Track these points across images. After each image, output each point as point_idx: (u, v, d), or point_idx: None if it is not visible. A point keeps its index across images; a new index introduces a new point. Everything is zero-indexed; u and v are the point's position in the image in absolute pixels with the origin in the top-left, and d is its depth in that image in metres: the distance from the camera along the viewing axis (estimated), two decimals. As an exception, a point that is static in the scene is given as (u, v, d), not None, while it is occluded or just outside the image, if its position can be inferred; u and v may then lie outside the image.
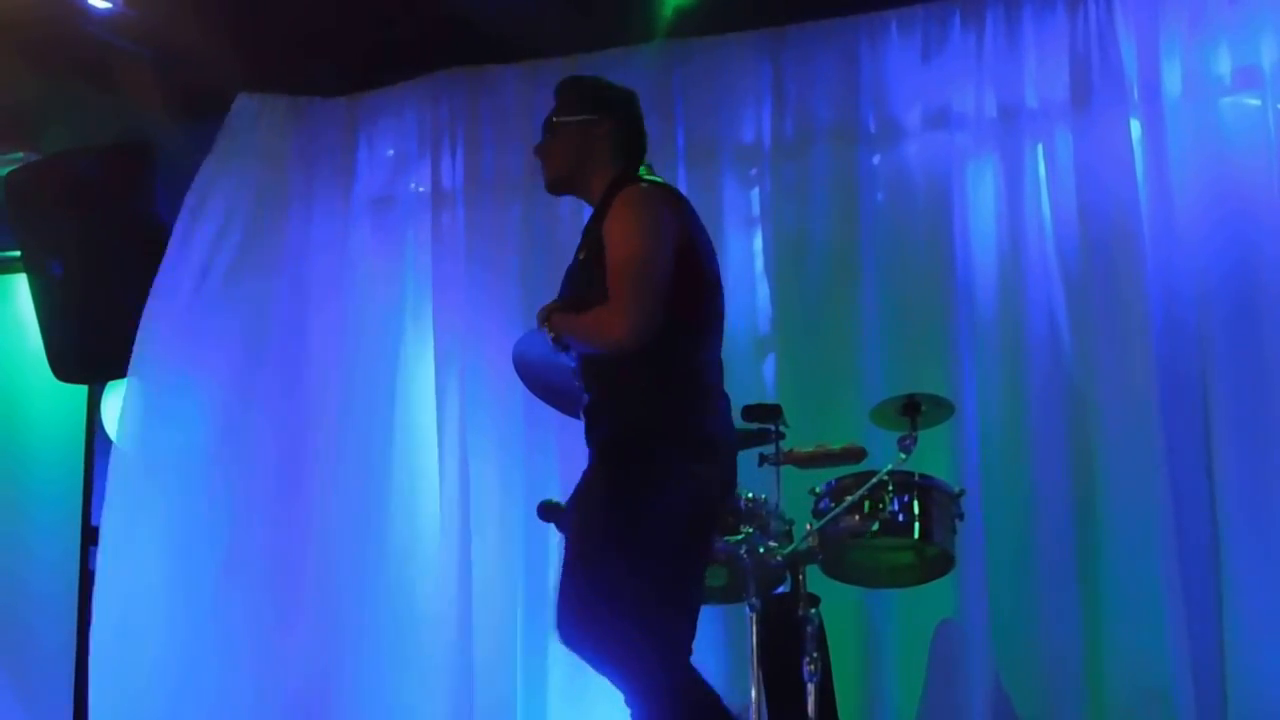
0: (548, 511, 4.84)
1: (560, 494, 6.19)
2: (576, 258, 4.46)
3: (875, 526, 5.03)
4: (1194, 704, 5.45)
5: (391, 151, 6.82)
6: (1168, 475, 5.58)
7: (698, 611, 4.30)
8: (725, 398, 4.38)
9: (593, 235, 4.36)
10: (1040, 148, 6.07)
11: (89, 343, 6.88)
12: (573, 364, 4.50)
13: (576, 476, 6.05)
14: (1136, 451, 5.63)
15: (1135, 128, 5.94)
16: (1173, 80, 5.92)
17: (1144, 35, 5.93)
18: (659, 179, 4.46)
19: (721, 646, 5.82)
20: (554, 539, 6.23)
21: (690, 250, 4.30)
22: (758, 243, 6.32)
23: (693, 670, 4.14)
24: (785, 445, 5.14)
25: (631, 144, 4.52)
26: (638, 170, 4.46)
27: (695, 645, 5.50)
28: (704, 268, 4.36)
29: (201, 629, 6.48)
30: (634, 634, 4.08)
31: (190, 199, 6.72)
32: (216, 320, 6.72)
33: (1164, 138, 5.89)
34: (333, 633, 6.40)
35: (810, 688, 4.91)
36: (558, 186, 4.59)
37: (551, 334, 4.36)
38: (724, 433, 4.32)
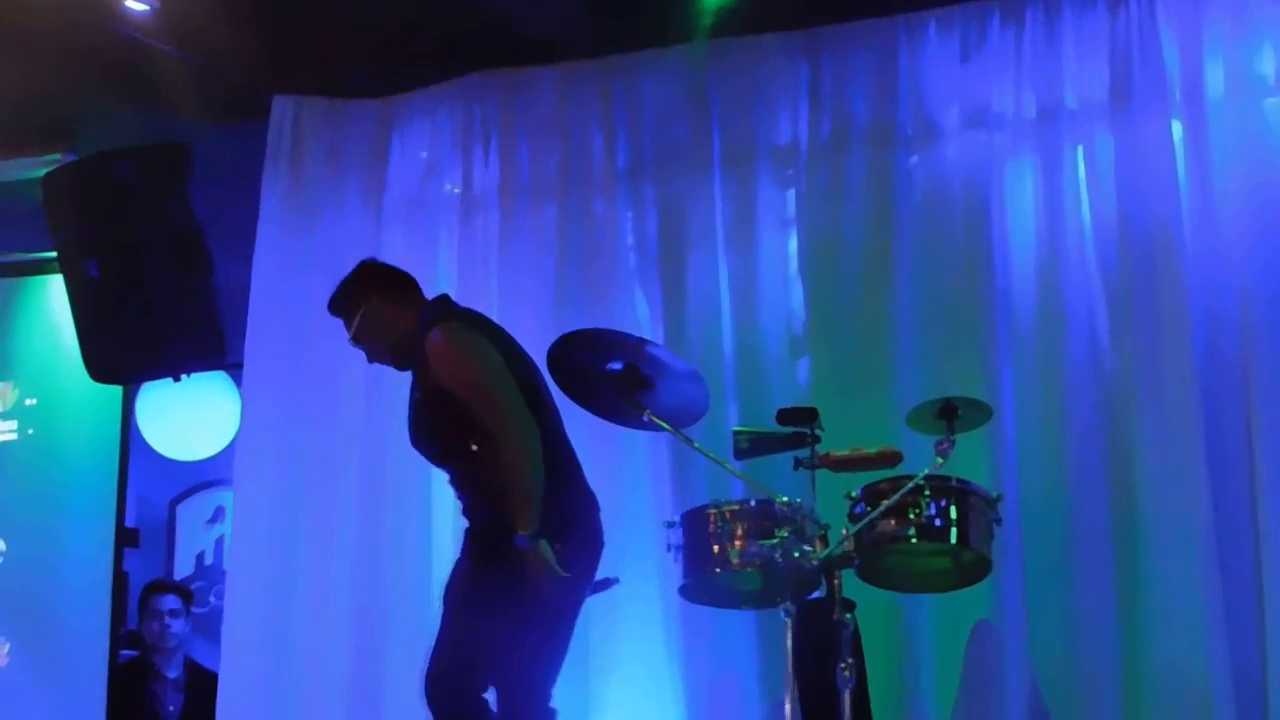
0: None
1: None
2: (413, 397, 5.05)
3: (911, 531, 4.96)
4: (1235, 711, 5.40)
5: (425, 154, 6.79)
6: (1208, 480, 5.54)
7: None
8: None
9: (423, 379, 4.99)
10: (1080, 149, 6.02)
11: (124, 344, 6.87)
12: (618, 366, 5.03)
13: (609, 483, 6.13)
14: (1177, 455, 5.59)
15: (1177, 128, 5.88)
16: (1215, 81, 5.88)
17: (1186, 35, 5.88)
18: (450, 307, 5.15)
19: (756, 651, 5.82)
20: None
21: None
22: (793, 244, 6.29)
23: None
24: (820, 449, 5.09)
25: (401, 292, 5.21)
26: (422, 305, 5.17)
27: (729, 649, 5.73)
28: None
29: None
30: None
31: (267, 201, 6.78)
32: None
33: (1206, 139, 5.85)
34: (350, 638, 6.37)
35: (845, 694, 4.85)
36: (403, 364, 5.17)
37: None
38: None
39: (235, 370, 7.27)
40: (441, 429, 4.99)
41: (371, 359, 5.25)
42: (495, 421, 4.84)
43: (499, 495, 4.81)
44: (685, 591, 5.24)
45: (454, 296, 6.49)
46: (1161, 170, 5.84)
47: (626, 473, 6.15)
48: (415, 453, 6.44)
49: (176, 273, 6.67)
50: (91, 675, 7.19)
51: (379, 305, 5.17)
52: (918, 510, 4.95)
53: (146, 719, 7.26)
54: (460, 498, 5.07)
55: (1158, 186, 5.83)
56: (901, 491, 4.92)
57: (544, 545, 4.73)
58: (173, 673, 7.32)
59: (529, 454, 4.81)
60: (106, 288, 6.80)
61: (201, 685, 7.16)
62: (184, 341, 6.73)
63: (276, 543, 6.54)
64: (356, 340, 5.22)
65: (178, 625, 7.32)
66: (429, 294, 6.53)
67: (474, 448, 4.90)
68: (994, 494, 5.08)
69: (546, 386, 5.09)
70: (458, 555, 5.06)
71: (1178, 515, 5.55)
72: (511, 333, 6.34)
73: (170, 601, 7.35)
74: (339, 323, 6.57)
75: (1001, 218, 5.99)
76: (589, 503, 5.04)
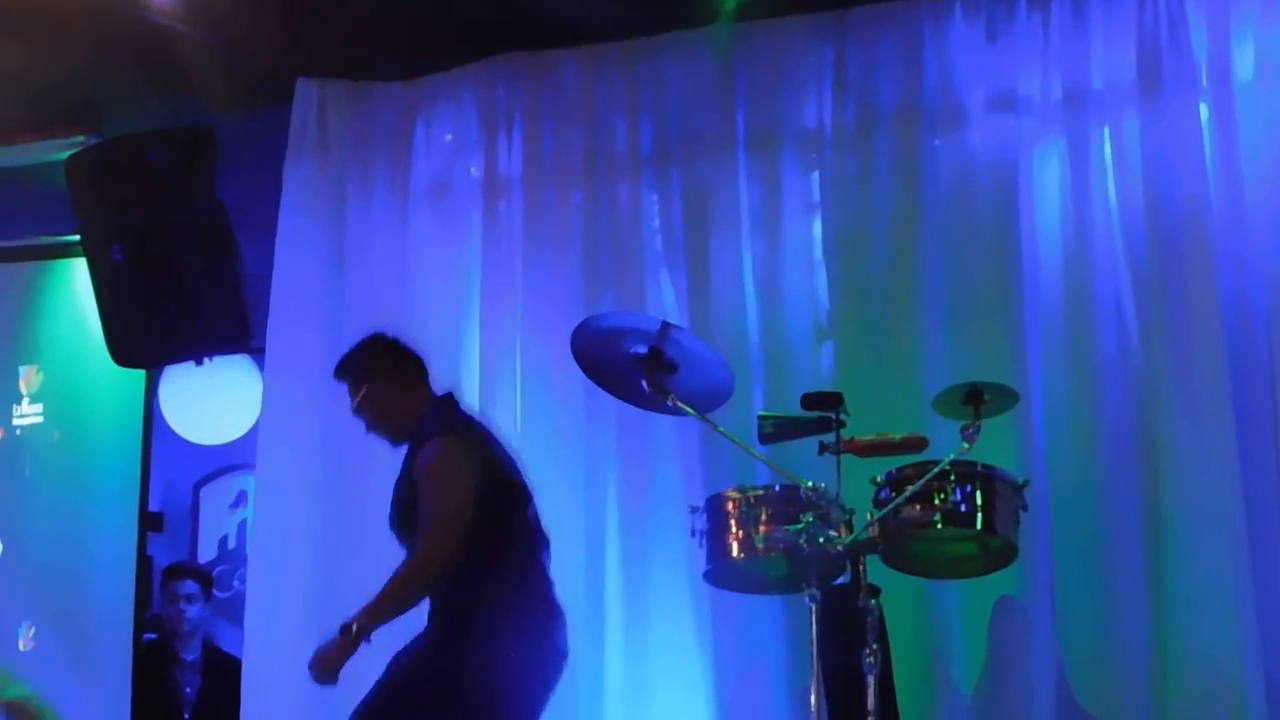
0: None
1: (618, 481, 6.20)
2: (401, 487, 5.10)
3: (937, 517, 4.93)
4: (1264, 696, 5.38)
5: (450, 137, 6.78)
6: (1238, 464, 5.50)
7: None
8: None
9: (410, 478, 5.06)
10: (1107, 132, 5.98)
11: (148, 327, 6.87)
12: (642, 351, 5.00)
13: (635, 465, 6.12)
14: (1206, 439, 5.55)
15: (1204, 112, 5.84)
16: (1244, 64, 5.84)
17: (1215, 17, 5.85)
18: (456, 414, 5.19)
19: (781, 637, 5.81)
20: (611, 532, 6.20)
21: (488, 490, 4.98)
22: (817, 228, 6.25)
23: None
24: (845, 434, 5.07)
25: (408, 375, 5.30)
26: (428, 392, 5.29)
27: (756, 637, 5.72)
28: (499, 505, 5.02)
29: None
30: None
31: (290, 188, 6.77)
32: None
33: (1234, 122, 5.81)
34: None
35: (870, 679, 4.83)
36: (399, 441, 5.26)
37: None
38: None
39: (259, 354, 7.26)
40: (410, 525, 5.04)
41: (369, 430, 5.32)
42: (426, 535, 4.93)
43: (457, 586, 4.93)
44: (710, 577, 5.23)
45: (479, 280, 6.58)
46: (1189, 154, 5.80)
47: (651, 458, 6.15)
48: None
49: (201, 256, 6.67)
50: (116, 658, 7.20)
51: (386, 385, 5.28)
52: (943, 496, 4.92)
53: (166, 702, 7.28)
54: None
55: (1185, 170, 5.79)
56: (927, 477, 4.89)
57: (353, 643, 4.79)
58: (191, 656, 7.32)
59: (419, 587, 4.92)
60: (131, 272, 6.80)
61: (219, 668, 7.17)
62: (209, 325, 6.73)
63: (298, 527, 6.54)
64: (358, 412, 5.31)
65: (194, 610, 7.31)
66: (454, 282, 6.63)
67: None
68: (1020, 480, 5.06)
69: (523, 500, 5.15)
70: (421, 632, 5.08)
71: (1207, 500, 5.52)
72: (536, 317, 6.41)
73: (187, 587, 7.34)
74: (361, 308, 6.64)
75: (1028, 201, 5.96)
76: (550, 614, 5.05)
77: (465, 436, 5.11)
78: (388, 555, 6.26)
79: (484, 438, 5.19)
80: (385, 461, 6.39)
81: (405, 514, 5.08)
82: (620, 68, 6.51)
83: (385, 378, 5.28)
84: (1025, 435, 5.69)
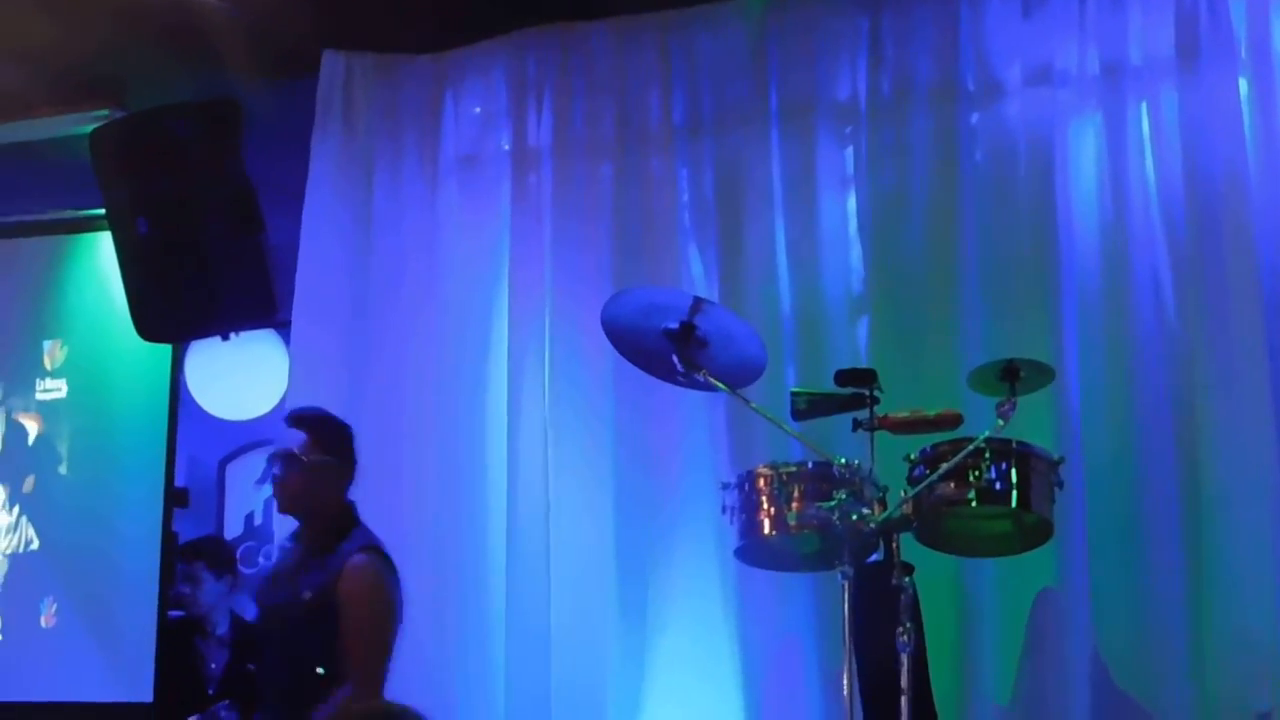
0: None
1: (647, 455, 6.16)
2: (296, 597, 5.12)
3: (971, 494, 4.88)
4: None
5: (479, 109, 6.74)
6: (1275, 441, 5.45)
7: None
8: None
9: (324, 585, 5.08)
10: (1144, 106, 5.91)
11: (174, 301, 6.84)
12: (673, 325, 4.95)
13: (664, 443, 6.07)
14: (1244, 415, 5.50)
15: (1243, 86, 5.77)
16: (1284, 36, 5.77)
17: (1254, -12, 5.78)
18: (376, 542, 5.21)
19: (813, 615, 5.78)
20: (642, 507, 6.16)
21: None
22: (852, 203, 6.18)
23: None
24: (880, 410, 5.02)
25: (350, 478, 5.32)
26: (352, 510, 5.27)
27: (788, 614, 5.67)
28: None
29: None
30: None
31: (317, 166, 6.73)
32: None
33: (1273, 96, 5.74)
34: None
35: (903, 658, 4.78)
36: (291, 513, 5.31)
37: None
38: None
39: (286, 329, 7.24)
40: (319, 636, 5.05)
41: (278, 489, 5.28)
42: (362, 675, 5.01)
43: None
44: (741, 554, 5.19)
45: (508, 254, 6.55)
46: (1228, 127, 5.74)
47: (682, 433, 6.11)
48: (463, 413, 6.45)
49: (228, 230, 6.64)
50: (140, 635, 7.18)
51: (339, 473, 5.29)
52: (978, 473, 4.87)
53: (190, 677, 7.25)
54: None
55: (1224, 144, 5.73)
56: (962, 454, 4.83)
57: None
58: (219, 630, 7.30)
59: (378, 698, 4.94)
60: (156, 245, 6.78)
61: (247, 643, 7.14)
62: (236, 299, 6.70)
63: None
64: (288, 468, 5.23)
65: (204, 592, 7.26)
66: (483, 256, 6.60)
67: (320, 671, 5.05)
68: (1056, 457, 5.00)
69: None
70: None
71: (1244, 477, 5.47)
72: (565, 291, 6.39)
73: (195, 569, 7.29)
74: (389, 282, 6.61)
75: (1065, 176, 5.90)
76: None
77: (388, 561, 5.20)
78: (412, 531, 6.31)
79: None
80: (409, 439, 6.46)
81: (300, 628, 5.12)
82: (651, 40, 6.45)
83: (345, 469, 5.31)
84: (1061, 412, 5.65)
